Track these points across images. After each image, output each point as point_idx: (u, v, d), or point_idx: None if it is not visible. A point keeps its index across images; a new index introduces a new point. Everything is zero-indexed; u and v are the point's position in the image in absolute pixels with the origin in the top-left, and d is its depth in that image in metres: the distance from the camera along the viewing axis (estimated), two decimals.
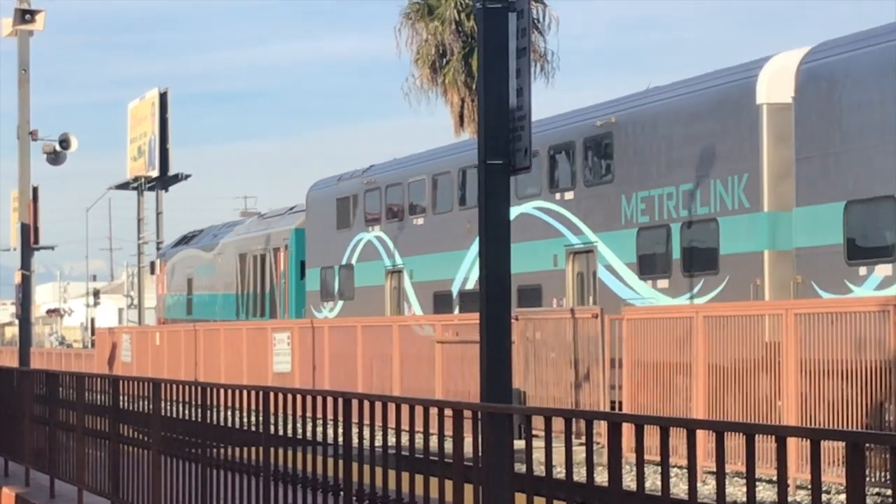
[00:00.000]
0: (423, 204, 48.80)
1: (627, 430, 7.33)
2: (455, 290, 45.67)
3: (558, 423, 8.06)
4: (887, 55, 34.44)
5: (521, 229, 35.64)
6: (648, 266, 39.06)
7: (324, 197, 59.30)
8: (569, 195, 41.39)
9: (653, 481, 6.67)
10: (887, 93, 34.25)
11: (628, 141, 39.98)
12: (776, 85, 37.63)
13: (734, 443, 6.66)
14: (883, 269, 32.93)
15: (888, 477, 14.56)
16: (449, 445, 8.80)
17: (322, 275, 58.09)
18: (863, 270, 33.42)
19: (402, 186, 50.64)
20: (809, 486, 5.95)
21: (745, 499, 6.38)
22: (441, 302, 47.04)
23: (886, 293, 30.85)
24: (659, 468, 6.77)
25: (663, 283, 38.86)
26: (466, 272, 43.53)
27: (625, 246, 39.66)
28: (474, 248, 41.77)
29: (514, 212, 34.52)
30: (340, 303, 55.72)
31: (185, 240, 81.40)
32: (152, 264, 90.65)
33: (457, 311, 43.77)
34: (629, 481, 7.08)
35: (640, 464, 7.05)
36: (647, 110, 39.74)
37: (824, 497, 5.73)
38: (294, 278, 61.56)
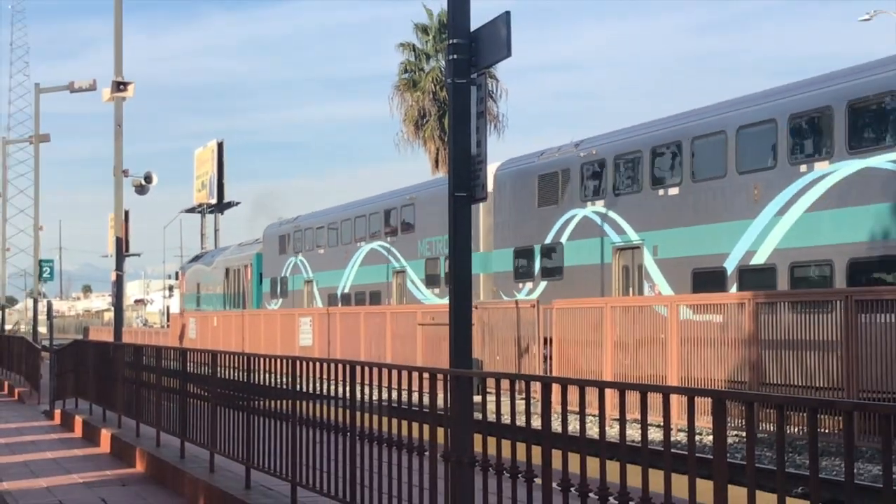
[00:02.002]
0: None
1: (556, 389, 7.32)
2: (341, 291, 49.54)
3: (505, 384, 8.05)
4: (529, 170, 41.24)
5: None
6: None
7: (272, 234, 69.51)
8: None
9: (574, 426, 6.64)
10: (528, 190, 40.83)
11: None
12: (493, 180, 42.26)
13: (633, 398, 6.65)
14: (528, 284, 40.34)
15: (743, 422, 14.64)
16: (427, 399, 8.80)
17: (272, 280, 66.28)
18: (520, 285, 40.73)
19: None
20: (687, 429, 6.00)
21: (640, 438, 6.37)
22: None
23: (531, 297, 38.02)
24: (578, 416, 6.77)
25: (436, 290, 46.07)
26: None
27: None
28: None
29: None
30: (281, 300, 63.46)
31: (197, 258, 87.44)
32: (177, 273, 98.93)
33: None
34: (556, 426, 7.06)
35: (564, 413, 7.05)
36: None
37: (697, 437, 5.74)
38: (255, 284, 69.55)
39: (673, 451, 6.22)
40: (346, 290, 55.06)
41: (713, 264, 30.86)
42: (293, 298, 61.55)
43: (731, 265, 30.38)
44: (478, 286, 41.11)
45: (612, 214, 35.93)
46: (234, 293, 74.12)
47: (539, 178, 40.56)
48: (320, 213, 62.92)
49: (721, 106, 31.92)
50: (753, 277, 29.76)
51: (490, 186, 40.05)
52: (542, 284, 39.27)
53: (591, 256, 36.95)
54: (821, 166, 27.74)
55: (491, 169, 41.49)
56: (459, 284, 10.04)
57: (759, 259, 29.70)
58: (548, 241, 39.46)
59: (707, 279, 30.97)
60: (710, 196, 31.36)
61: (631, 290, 34.40)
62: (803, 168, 28.30)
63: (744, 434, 5.77)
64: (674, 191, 32.93)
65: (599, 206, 36.56)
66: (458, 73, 9.92)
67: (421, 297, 47.03)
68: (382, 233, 52.09)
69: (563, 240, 38.52)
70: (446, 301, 41.99)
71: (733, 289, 29.42)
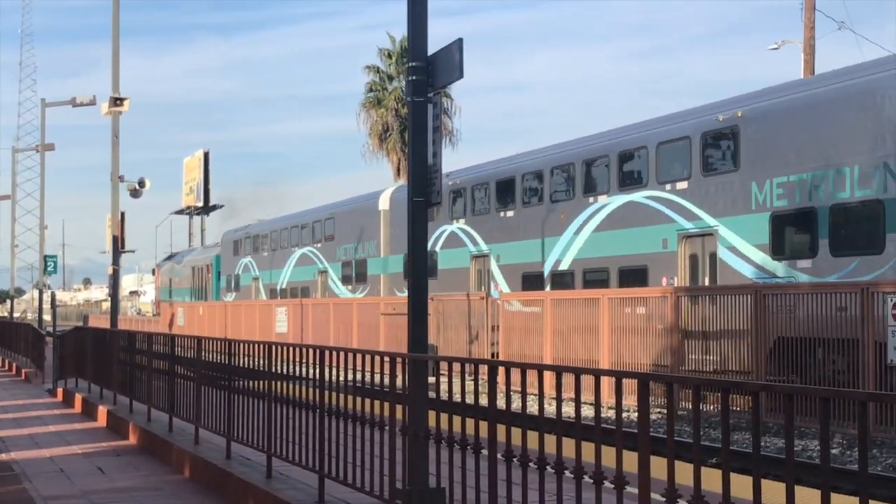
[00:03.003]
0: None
1: (501, 371, 7.33)
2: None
3: (457, 367, 8.05)
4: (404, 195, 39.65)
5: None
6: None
7: (228, 239, 75.49)
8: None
9: (517, 404, 6.65)
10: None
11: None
12: (386, 201, 49.25)
13: (569, 380, 6.67)
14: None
15: (665, 401, 14.70)
16: (387, 380, 8.79)
17: (227, 277, 70.43)
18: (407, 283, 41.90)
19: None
20: (615, 407, 6.04)
21: (574, 415, 6.38)
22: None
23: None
24: (521, 395, 6.78)
25: (349, 286, 52.28)
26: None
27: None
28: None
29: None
30: (234, 294, 67.26)
31: (169, 257, 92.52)
32: (153, 270, 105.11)
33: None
34: (501, 403, 7.06)
35: (508, 393, 7.05)
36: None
37: (624, 414, 5.76)
38: (214, 280, 73.73)
39: (603, 426, 6.24)
40: (284, 286, 59.90)
41: (535, 269, 36.01)
42: (244, 292, 65.64)
43: (546, 270, 35.54)
44: (379, 284, 49.09)
45: (470, 230, 41.45)
46: (199, 287, 77.95)
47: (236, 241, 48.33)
48: (266, 222, 67.59)
49: (543, 150, 37.92)
50: (560, 279, 34.82)
51: (387, 206, 49.05)
52: (234, 294, 49.48)
53: (456, 262, 42.38)
54: (602, 199, 32.91)
55: (388, 193, 49.91)
56: (416, 279, 10.05)
57: (564, 266, 34.79)
58: (435, 248, 43.78)
59: (532, 280, 35.88)
60: (533, 219, 36.63)
61: (482, 287, 38.70)
62: (591, 199, 33.53)
63: (665, 411, 5.79)
64: (510, 213, 38.46)
65: (462, 223, 42.07)
66: (416, 93, 9.92)
67: (339, 292, 52.07)
68: (311, 240, 56.96)
69: (438, 248, 43.29)
70: (356, 295, 46.11)
71: (548, 288, 34.33)
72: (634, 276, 30.76)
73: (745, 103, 28.40)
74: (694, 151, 29.35)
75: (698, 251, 29.60)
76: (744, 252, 27.87)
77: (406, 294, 32.44)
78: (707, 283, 28.38)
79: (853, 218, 25.11)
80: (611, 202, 32.55)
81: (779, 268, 26.77)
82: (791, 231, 26.96)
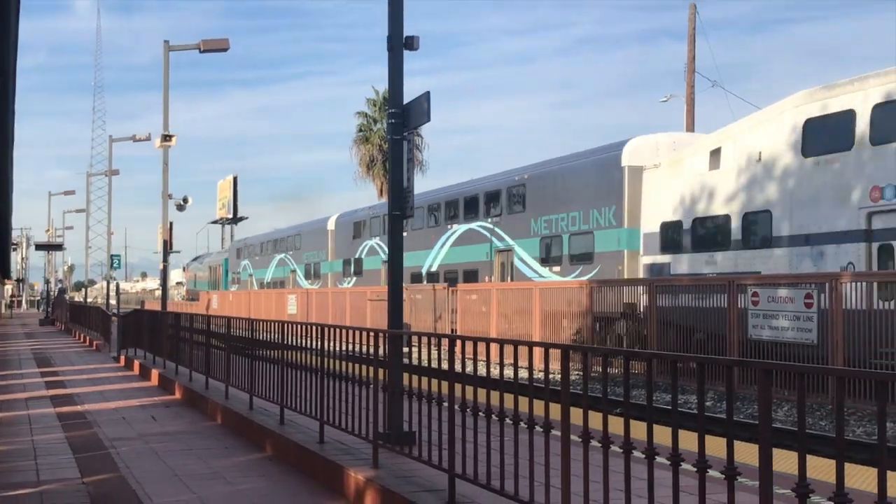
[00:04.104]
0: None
1: (458, 343, 7.33)
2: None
3: (425, 340, 8.05)
4: (351, 219, 51.03)
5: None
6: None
7: (233, 247, 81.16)
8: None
9: (470, 369, 6.66)
10: (349, 229, 50.32)
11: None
12: (333, 223, 53.51)
13: (509, 350, 6.69)
14: (348, 279, 49.88)
15: (581, 365, 14.77)
16: (372, 350, 8.79)
17: (232, 274, 74.27)
18: (345, 279, 50.08)
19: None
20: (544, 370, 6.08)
21: (513, 375, 6.40)
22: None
23: (350, 286, 47.87)
24: (472, 361, 6.80)
25: (309, 281, 56.66)
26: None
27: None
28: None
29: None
30: (236, 286, 70.79)
31: (195, 259, 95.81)
32: (183, 268, 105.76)
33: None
34: (458, 368, 7.07)
35: (463, 360, 7.06)
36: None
37: (551, 376, 5.76)
38: (224, 276, 76.62)
39: (535, 385, 6.26)
40: (269, 281, 64.56)
41: (418, 270, 40.73)
42: (243, 285, 69.24)
43: (423, 271, 40.57)
44: (328, 279, 53.30)
45: (382, 244, 44.74)
46: (213, 281, 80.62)
47: (353, 223, 50.61)
48: (257, 236, 72.36)
49: (426, 193, 41.13)
50: (431, 277, 39.60)
51: (333, 227, 53.71)
52: (354, 279, 49.05)
53: (373, 265, 46.71)
54: (455, 226, 38.74)
55: (334, 218, 54.39)
56: (394, 274, 10.05)
57: (434, 269, 40.12)
58: (356, 256, 49.43)
59: (416, 278, 40.28)
60: (418, 238, 40.25)
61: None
62: (449, 226, 39.22)
63: (582, 373, 5.81)
64: (405, 234, 38.31)
65: (377, 240, 46.01)
66: (394, 132, 9.94)
67: (303, 284, 56.28)
68: (286, 249, 62.06)
69: (363, 256, 48.53)
70: (314, 287, 48.86)
71: (424, 282, 38.93)
72: (472, 275, 36.54)
73: (530, 170, 34.52)
74: (503, 198, 35.55)
75: (505, 260, 35.36)
76: (527, 261, 33.71)
77: (344, 286, 34.18)
78: (510, 280, 33.95)
79: (579, 242, 30.84)
80: (460, 228, 38.44)
81: (544, 271, 32.64)
82: (550, 249, 32.58)
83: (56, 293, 74.62)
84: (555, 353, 6.05)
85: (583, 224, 30.48)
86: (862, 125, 20.04)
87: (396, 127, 9.90)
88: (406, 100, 9.88)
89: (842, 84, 20.96)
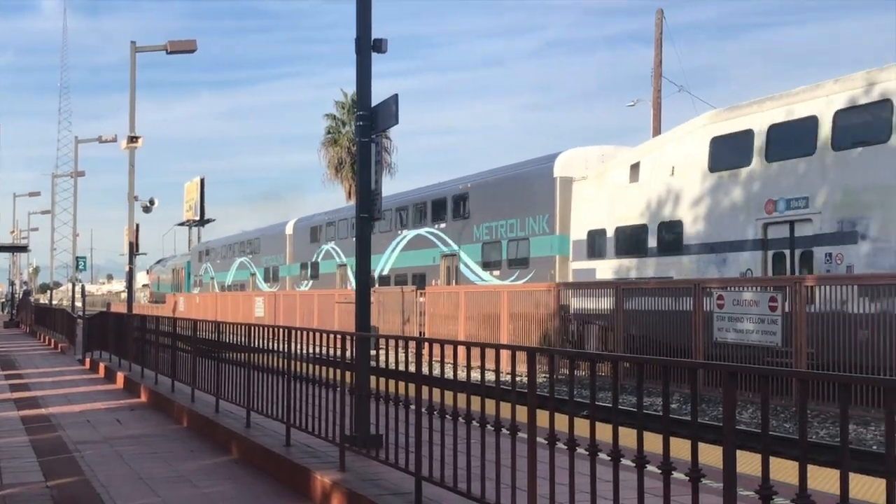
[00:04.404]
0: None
1: (426, 346, 7.33)
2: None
3: (392, 343, 8.05)
4: (308, 224, 52.45)
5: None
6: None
7: (194, 250, 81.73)
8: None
9: (438, 372, 6.66)
10: (306, 233, 52.10)
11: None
12: (291, 228, 55.18)
13: (476, 352, 6.70)
14: (305, 282, 51.59)
15: (548, 367, 14.78)
16: (339, 352, 8.78)
17: (194, 276, 75.53)
18: (303, 282, 51.60)
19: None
20: (511, 373, 6.09)
21: (480, 378, 6.41)
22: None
23: (307, 289, 48.76)
24: (440, 364, 6.81)
25: (268, 283, 59.18)
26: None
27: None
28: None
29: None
30: (198, 288, 71.91)
31: (158, 262, 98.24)
32: (147, 270, 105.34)
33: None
34: (426, 371, 7.07)
35: (430, 363, 7.06)
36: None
37: (518, 378, 5.76)
38: (186, 278, 77.95)
39: (502, 387, 6.27)
40: (229, 283, 65.48)
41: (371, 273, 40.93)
42: (204, 287, 70.30)
43: (376, 274, 40.34)
44: (286, 282, 54.65)
45: (337, 248, 47.17)
46: (176, 283, 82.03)
47: (310, 228, 51.71)
48: (219, 239, 73.75)
49: (388, 197, 45.50)
50: (383, 280, 40.80)
51: (291, 231, 55.12)
52: (311, 282, 50.13)
53: (329, 269, 48.27)
54: (405, 231, 40.28)
55: (292, 223, 55.95)
56: (362, 276, 10.05)
57: (385, 272, 41.24)
58: (313, 259, 50.64)
59: (375, 280, 40.04)
60: (376, 244, 39.57)
61: (347, 285, 43.13)
62: (399, 231, 40.56)
63: (548, 375, 5.84)
64: (395, 236, 41.95)
65: (333, 244, 47.79)
66: (363, 135, 9.94)
67: (262, 287, 57.59)
68: (246, 252, 63.37)
69: (320, 260, 49.69)
70: (273, 290, 50.09)
71: (376, 285, 38.47)
72: (420, 279, 37.56)
73: (473, 180, 36.49)
74: (448, 206, 37.23)
75: (450, 265, 36.91)
76: (470, 266, 35.37)
77: (302, 289, 34.88)
78: (455, 283, 35.40)
79: (517, 248, 32.47)
80: (409, 234, 39.92)
81: (486, 275, 34.19)
82: (491, 254, 34.28)
83: (21, 295, 73.95)
84: (521, 356, 6.06)
85: (520, 231, 32.43)
86: (759, 143, 21.83)
87: (364, 129, 9.90)
88: (374, 102, 9.88)
89: (743, 106, 22.78)
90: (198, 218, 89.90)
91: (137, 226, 28.60)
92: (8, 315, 71.66)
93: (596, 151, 30.72)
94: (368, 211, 9.92)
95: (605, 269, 27.01)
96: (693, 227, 23.84)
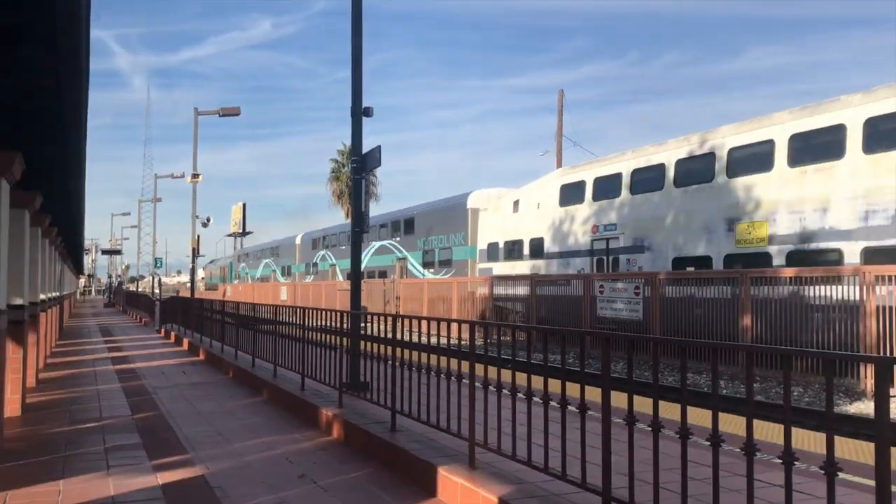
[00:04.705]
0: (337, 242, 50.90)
1: (400, 321, 7.28)
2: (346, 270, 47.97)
3: (377, 319, 7.99)
4: (312, 237, 52.26)
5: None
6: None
7: (234, 254, 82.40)
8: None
9: (408, 338, 6.63)
10: (311, 243, 51.95)
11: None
12: (299, 239, 55.24)
13: (434, 325, 6.66)
14: (308, 277, 52.00)
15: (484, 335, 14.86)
16: (339, 325, 8.72)
17: (235, 272, 74.77)
18: (307, 277, 53.63)
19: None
20: (462, 339, 6.03)
21: (444, 342, 6.40)
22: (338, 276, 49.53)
23: (309, 281, 46.83)
24: (409, 333, 6.78)
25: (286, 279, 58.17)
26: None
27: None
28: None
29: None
30: (237, 280, 71.34)
31: (211, 262, 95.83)
32: (203, 268, 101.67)
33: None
34: (400, 336, 7.03)
35: (402, 331, 7.01)
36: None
37: (464, 342, 5.75)
38: (230, 274, 76.61)
39: (452, 348, 6.24)
40: (258, 277, 65.62)
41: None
42: (242, 280, 70.21)
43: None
44: (295, 277, 54.16)
45: (329, 253, 47.95)
46: (222, 277, 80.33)
47: (312, 239, 52.18)
48: (252, 247, 74.20)
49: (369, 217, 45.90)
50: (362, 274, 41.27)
51: (299, 242, 55.27)
52: (312, 277, 50.18)
53: (325, 267, 48.53)
54: (374, 242, 40.30)
55: (300, 236, 55.71)
56: (355, 272, 9.98)
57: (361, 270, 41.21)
58: (314, 261, 50.84)
59: (348, 276, 40.19)
60: (347, 251, 42.77)
61: (336, 278, 44.42)
62: (371, 242, 40.25)
63: (488, 340, 5.82)
64: (343, 247, 44.50)
65: (327, 251, 48.39)
66: (356, 173, 9.88)
67: (281, 280, 57.47)
68: (268, 256, 63.49)
69: (318, 261, 50.08)
70: (286, 281, 51.26)
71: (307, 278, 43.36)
72: (383, 274, 38.10)
73: (417, 209, 37.52)
74: (402, 225, 38.20)
75: (402, 265, 37.49)
76: (415, 266, 36.36)
77: (329, 280, 34.28)
78: (405, 278, 34.83)
79: (444, 254, 33.99)
80: (377, 244, 40.36)
81: (425, 272, 35.08)
82: (428, 258, 35.32)
83: (116, 285, 73.40)
84: (465, 328, 6.05)
85: (446, 243, 34.22)
86: (589, 190, 24.00)
87: (357, 170, 9.85)
88: (364, 150, 9.84)
89: (581, 165, 25.24)
90: (241, 231, 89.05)
91: (198, 236, 28.28)
92: (107, 298, 70.67)
93: (494, 191, 32.53)
94: (360, 226, 9.87)
95: (498, 268, 28.50)
96: (550, 242, 25.74)
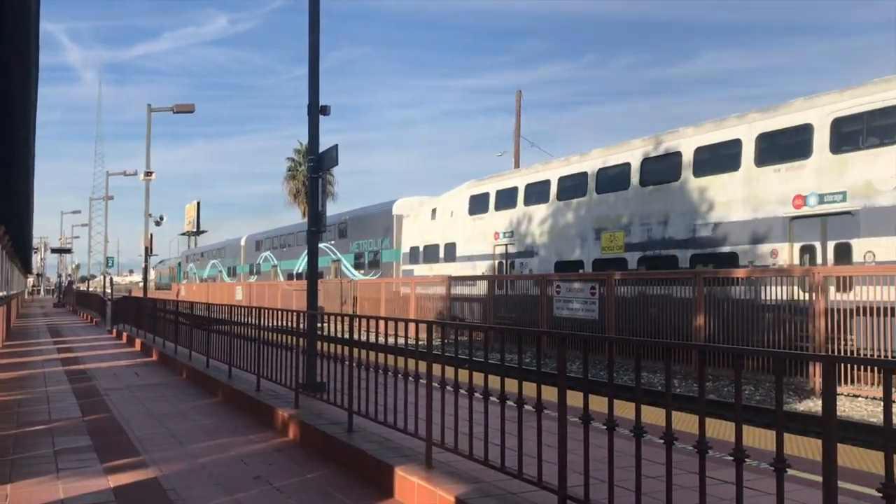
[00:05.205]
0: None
1: (357, 321, 7.25)
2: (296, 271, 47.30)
3: (334, 318, 7.94)
4: (255, 239, 54.11)
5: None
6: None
7: (182, 254, 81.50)
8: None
9: (365, 337, 6.61)
10: (254, 245, 53.75)
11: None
12: (243, 241, 56.41)
13: (392, 325, 6.64)
14: (252, 277, 54.22)
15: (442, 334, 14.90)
16: (295, 324, 8.65)
17: (183, 271, 74.68)
18: (251, 278, 54.16)
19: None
20: (419, 340, 6.04)
21: (400, 343, 6.38)
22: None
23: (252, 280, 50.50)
24: (367, 333, 6.75)
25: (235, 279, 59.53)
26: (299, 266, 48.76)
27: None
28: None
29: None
30: (186, 280, 71.19)
31: (161, 262, 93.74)
32: (153, 267, 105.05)
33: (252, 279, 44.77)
34: (357, 338, 7.00)
35: (360, 331, 6.98)
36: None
37: (421, 343, 5.73)
38: (178, 273, 76.19)
39: (409, 349, 6.23)
40: (205, 277, 66.20)
41: (291, 271, 45.11)
42: (189, 280, 70.29)
43: (294, 272, 44.19)
44: (240, 277, 55.40)
45: (271, 255, 49.70)
46: (171, 276, 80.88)
47: (255, 241, 53.74)
48: (198, 248, 76.24)
49: (291, 226, 48.10)
50: (298, 276, 42.76)
51: (244, 244, 56.60)
52: (255, 278, 51.43)
53: (267, 268, 50.11)
54: (302, 251, 42.18)
55: (244, 238, 56.99)
56: (312, 272, 9.89)
57: (300, 270, 43.06)
58: (257, 262, 52.34)
59: (291, 276, 44.33)
60: (291, 252, 46.04)
61: (277, 279, 46.60)
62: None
63: (445, 340, 5.82)
64: (284, 249, 47.51)
65: (269, 252, 50.20)
66: (313, 172, 9.80)
67: (227, 280, 58.57)
68: (216, 257, 64.09)
69: (261, 262, 51.65)
70: (232, 281, 51.57)
71: (294, 279, 41.70)
72: (320, 275, 41.13)
73: (350, 214, 39.55)
74: (336, 230, 39.45)
75: (337, 266, 39.14)
76: (348, 267, 38.06)
77: (281, 280, 34.21)
78: (339, 278, 35.36)
79: (373, 256, 36.37)
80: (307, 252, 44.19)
81: (356, 273, 36.74)
82: (359, 260, 37.60)
83: (66, 284, 71.89)
84: (423, 328, 6.04)
85: (375, 246, 36.45)
86: (492, 201, 26.81)
87: (314, 169, 9.76)
88: (321, 149, 9.76)
89: (486, 179, 27.68)
90: (195, 230, 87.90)
91: (151, 235, 27.81)
92: (57, 298, 69.13)
93: (416, 199, 34.51)
94: (317, 226, 9.78)
95: (419, 270, 30.70)
96: (462, 246, 28.34)
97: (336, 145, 9.51)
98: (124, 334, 21.59)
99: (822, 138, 16.00)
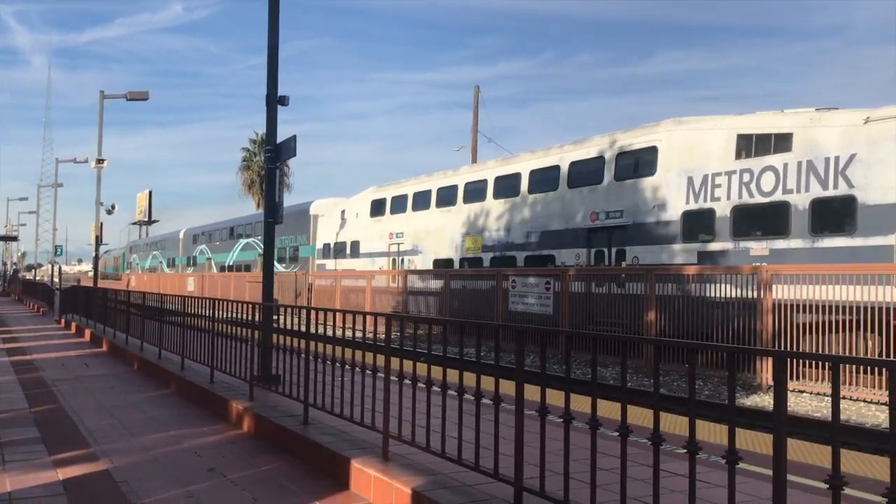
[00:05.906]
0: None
1: (313, 313, 7.20)
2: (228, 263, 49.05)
3: (290, 310, 7.87)
4: (193, 233, 56.12)
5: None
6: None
7: (128, 245, 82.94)
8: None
9: (321, 331, 6.58)
10: (191, 239, 55.80)
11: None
12: (181, 234, 58.48)
13: (349, 318, 6.61)
14: (190, 269, 54.21)
15: (400, 328, 14.89)
16: (250, 316, 8.57)
17: (128, 262, 76.54)
18: (189, 269, 54.82)
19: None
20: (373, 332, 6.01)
21: (351, 336, 6.36)
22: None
23: (190, 272, 52.77)
24: (323, 326, 6.72)
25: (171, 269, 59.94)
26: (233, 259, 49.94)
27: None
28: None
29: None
30: (129, 270, 72.36)
31: (106, 252, 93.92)
32: (98, 257, 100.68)
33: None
34: (313, 331, 6.96)
35: (315, 324, 6.95)
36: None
37: (380, 335, 5.68)
38: (122, 264, 78.94)
39: (366, 342, 6.22)
40: (146, 268, 67.79)
41: (223, 263, 47.73)
42: (133, 270, 71.30)
43: (226, 264, 47.05)
44: (178, 269, 57.22)
45: (206, 248, 52.16)
46: (116, 266, 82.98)
47: (193, 234, 55.96)
48: (142, 239, 77.51)
49: (234, 219, 49.77)
50: (230, 268, 45.62)
51: (182, 237, 58.28)
52: (192, 269, 52.93)
53: (202, 260, 52.20)
54: (243, 240, 46.14)
55: (183, 231, 58.75)
56: (267, 264, 9.80)
57: (231, 263, 46.21)
58: (194, 255, 54.54)
59: (222, 268, 46.80)
60: (224, 246, 48.19)
61: (209, 269, 48.84)
62: (240, 239, 45.85)
63: (401, 334, 5.82)
64: (217, 243, 49.98)
65: (204, 245, 52.62)
66: (269, 163, 9.70)
67: (167, 271, 59.74)
68: (157, 249, 66.17)
69: (197, 255, 53.77)
70: (172, 272, 52.79)
71: (226, 271, 45.08)
72: (248, 268, 42.98)
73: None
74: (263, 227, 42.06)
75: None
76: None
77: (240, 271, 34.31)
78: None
79: (293, 252, 39.41)
80: (243, 241, 45.68)
81: (279, 267, 37.21)
82: (282, 255, 39.49)
83: (12, 273, 69.87)
84: (381, 321, 6.03)
85: (295, 242, 39.24)
86: (389, 205, 29.93)
87: (271, 159, 9.66)
88: (279, 140, 9.66)
89: (385, 185, 30.60)
90: (147, 219, 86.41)
91: (101, 224, 27.24)
92: (1, 287, 67.35)
93: (331, 201, 37.07)
94: (273, 217, 9.68)
95: (330, 265, 33.36)
96: (365, 244, 31.21)
97: (294, 136, 9.43)
98: (73, 324, 21.12)
99: (610, 169, 20.21)
